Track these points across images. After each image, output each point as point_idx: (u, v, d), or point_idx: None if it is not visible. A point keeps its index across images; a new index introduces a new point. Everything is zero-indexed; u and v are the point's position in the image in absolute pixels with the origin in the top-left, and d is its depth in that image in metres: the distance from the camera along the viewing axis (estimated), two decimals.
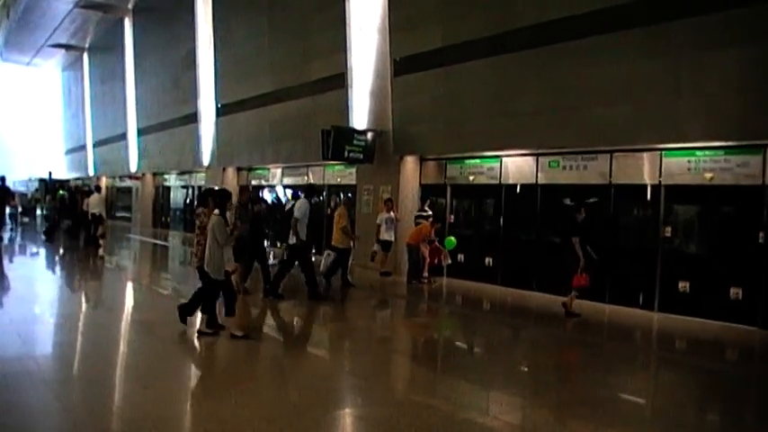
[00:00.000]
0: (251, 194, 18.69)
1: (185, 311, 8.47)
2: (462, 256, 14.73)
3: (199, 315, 8.55)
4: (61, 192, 33.46)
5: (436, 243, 14.24)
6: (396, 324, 11.14)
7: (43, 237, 22.69)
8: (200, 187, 27.27)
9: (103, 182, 40.20)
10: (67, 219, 24.00)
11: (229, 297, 8.13)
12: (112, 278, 15.16)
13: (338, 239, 12.98)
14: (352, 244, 13.22)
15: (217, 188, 9.21)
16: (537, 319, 11.55)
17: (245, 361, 7.57)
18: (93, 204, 20.22)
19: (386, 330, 10.51)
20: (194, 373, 7.31)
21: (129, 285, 14.10)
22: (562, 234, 10.81)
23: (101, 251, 18.70)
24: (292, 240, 11.42)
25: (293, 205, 11.81)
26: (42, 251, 20.23)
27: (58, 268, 16.68)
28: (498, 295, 13.59)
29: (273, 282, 11.47)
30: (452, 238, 14.10)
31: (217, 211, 8.07)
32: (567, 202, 13.15)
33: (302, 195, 12.10)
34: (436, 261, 14.42)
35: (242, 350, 7.80)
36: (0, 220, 21.28)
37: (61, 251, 19.91)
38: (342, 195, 19.07)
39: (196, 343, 8.06)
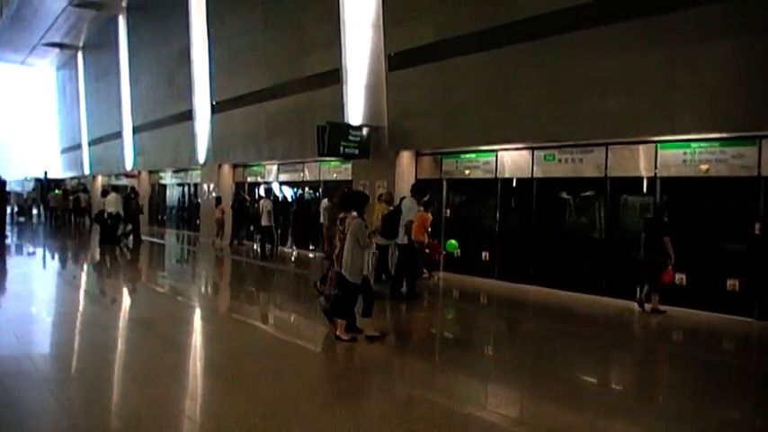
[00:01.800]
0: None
1: (331, 315, 8.34)
2: (459, 251, 14.70)
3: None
4: (57, 191, 33.56)
5: (435, 242, 14.16)
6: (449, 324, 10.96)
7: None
8: (196, 185, 27.16)
9: (98, 181, 40.20)
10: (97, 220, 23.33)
11: (368, 299, 8.06)
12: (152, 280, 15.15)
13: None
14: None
15: (355, 191, 9.10)
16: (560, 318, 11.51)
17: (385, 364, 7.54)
18: (110, 203, 20.83)
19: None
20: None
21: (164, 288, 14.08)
22: (650, 233, 10.65)
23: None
24: (403, 240, 11.13)
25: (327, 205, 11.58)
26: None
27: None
28: (496, 290, 13.60)
29: (396, 283, 11.24)
30: (453, 241, 13.99)
31: (355, 214, 8.00)
32: (564, 195, 13.21)
33: (408, 194, 11.85)
34: (437, 257, 14.35)
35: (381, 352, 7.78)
36: (1, 220, 21.28)
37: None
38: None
39: (337, 347, 7.91)
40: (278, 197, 20.74)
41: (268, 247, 18.48)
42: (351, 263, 7.84)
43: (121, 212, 21.16)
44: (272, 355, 7.47)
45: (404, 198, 11.89)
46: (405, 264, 11.38)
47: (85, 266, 16.68)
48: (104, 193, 22.83)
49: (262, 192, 23.21)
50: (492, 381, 7.03)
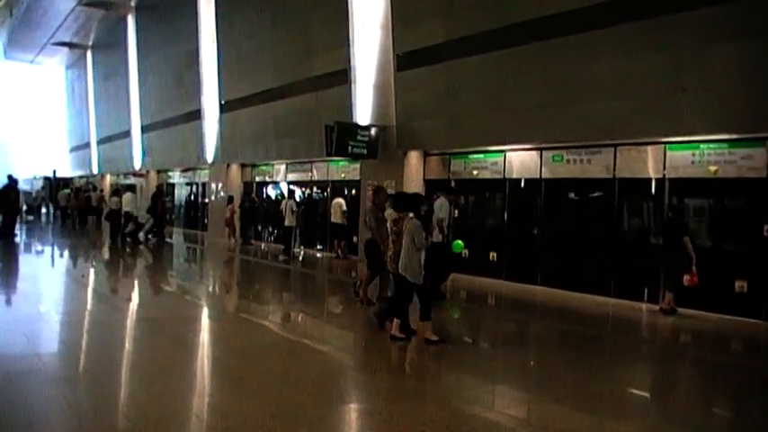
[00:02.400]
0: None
1: (384, 317, 8.45)
2: (466, 252, 14.69)
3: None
4: (66, 189, 33.68)
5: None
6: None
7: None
8: (204, 184, 27.24)
9: (107, 180, 40.37)
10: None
11: (425, 301, 8.02)
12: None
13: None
14: None
15: (410, 193, 9.14)
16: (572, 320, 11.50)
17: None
18: (126, 202, 21.50)
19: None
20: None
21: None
22: (668, 234, 10.65)
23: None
24: (437, 238, 10.73)
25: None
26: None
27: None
28: (505, 291, 13.60)
29: (436, 283, 10.89)
30: (460, 241, 13.93)
31: (412, 215, 8.07)
32: (572, 195, 13.22)
33: (442, 194, 11.66)
34: None
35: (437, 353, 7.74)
36: (13, 219, 21.39)
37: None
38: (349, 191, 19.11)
39: (391, 347, 7.96)
40: (300, 197, 20.75)
41: (281, 248, 18.40)
42: (410, 264, 7.91)
43: (135, 212, 21.73)
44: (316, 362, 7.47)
45: (437, 196, 11.59)
46: (440, 262, 10.91)
47: (103, 266, 16.66)
48: (116, 192, 23.14)
49: (270, 191, 23.38)
50: (506, 383, 7.06)
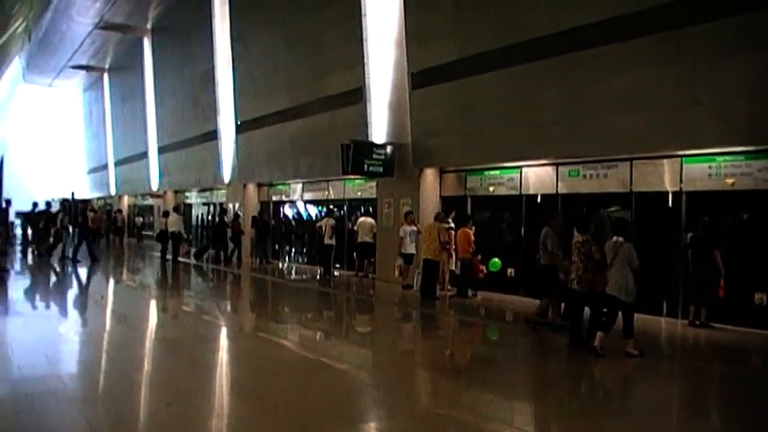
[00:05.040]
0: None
1: (580, 338, 8.93)
2: (484, 267, 14.70)
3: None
4: (92, 211, 33.99)
5: (477, 258, 14.19)
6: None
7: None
8: (221, 204, 27.41)
9: (125, 200, 40.74)
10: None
11: (628, 319, 8.49)
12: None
13: (431, 252, 13.55)
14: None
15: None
16: None
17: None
18: (172, 223, 22.29)
19: None
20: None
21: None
22: (699, 248, 10.68)
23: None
24: (544, 261, 10.45)
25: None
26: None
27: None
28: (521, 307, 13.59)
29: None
30: (497, 259, 13.94)
31: (622, 239, 8.54)
32: (589, 210, 13.21)
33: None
34: (481, 275, 14.35)
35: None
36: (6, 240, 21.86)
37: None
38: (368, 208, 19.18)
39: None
40: (337, 217, 20.02)
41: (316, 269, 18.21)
42: (626, 284, 8.38)
43: (183, 232, 22.85)
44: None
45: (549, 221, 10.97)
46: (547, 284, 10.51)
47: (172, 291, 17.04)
48: (165, 213, 23.87)
49: (288, 210, 23.60)
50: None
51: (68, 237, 22.03)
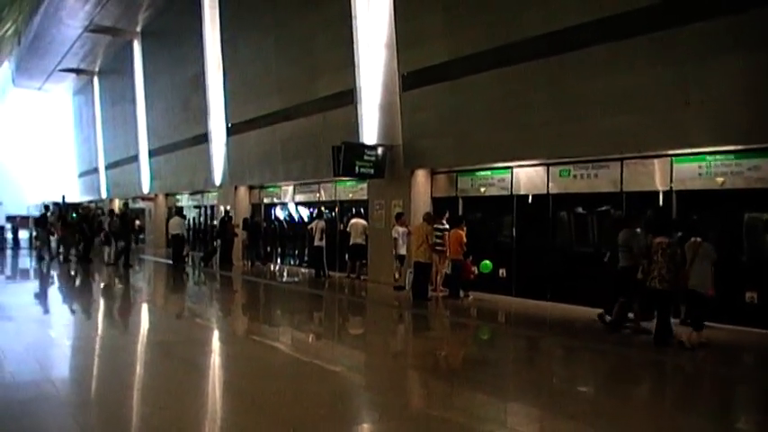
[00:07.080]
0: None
1: (662, 336, 9.35)
2: (476, 268, 14.73)
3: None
4: (75, 215, 33.77)
5: (468, 261, 14.19)
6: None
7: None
8: (212, 207, 27.35)
9: (116, 203, 40.56)
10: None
11: (704, 312, 9.26)
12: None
13: (420, 254, 13.55)
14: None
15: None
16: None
17: None
18: (174, 226, 22.42)
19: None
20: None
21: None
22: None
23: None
24: (624, 263, 10.32)
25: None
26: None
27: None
28: (515, 307, 13.62)
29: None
30: (488, 261, 13.98)
31: (699, 239, 9.24)
32: (580, 210, 13.27)
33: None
34: (472, 276, 14.34)
35: None
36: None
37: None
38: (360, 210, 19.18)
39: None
40: (329, 218, 20.14)
41: (308, 271, 18.20)
42: (706, 279, 9.08)
43: (185, 235, 22.99)
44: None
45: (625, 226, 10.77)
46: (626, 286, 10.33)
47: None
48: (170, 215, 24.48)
49: (279, 212, 23.58)
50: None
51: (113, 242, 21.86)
